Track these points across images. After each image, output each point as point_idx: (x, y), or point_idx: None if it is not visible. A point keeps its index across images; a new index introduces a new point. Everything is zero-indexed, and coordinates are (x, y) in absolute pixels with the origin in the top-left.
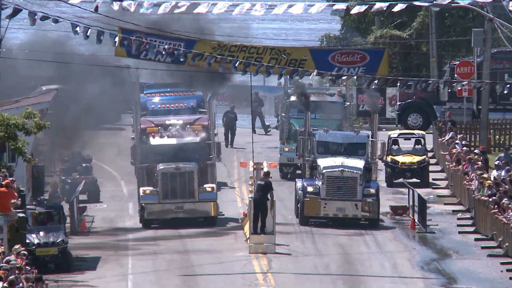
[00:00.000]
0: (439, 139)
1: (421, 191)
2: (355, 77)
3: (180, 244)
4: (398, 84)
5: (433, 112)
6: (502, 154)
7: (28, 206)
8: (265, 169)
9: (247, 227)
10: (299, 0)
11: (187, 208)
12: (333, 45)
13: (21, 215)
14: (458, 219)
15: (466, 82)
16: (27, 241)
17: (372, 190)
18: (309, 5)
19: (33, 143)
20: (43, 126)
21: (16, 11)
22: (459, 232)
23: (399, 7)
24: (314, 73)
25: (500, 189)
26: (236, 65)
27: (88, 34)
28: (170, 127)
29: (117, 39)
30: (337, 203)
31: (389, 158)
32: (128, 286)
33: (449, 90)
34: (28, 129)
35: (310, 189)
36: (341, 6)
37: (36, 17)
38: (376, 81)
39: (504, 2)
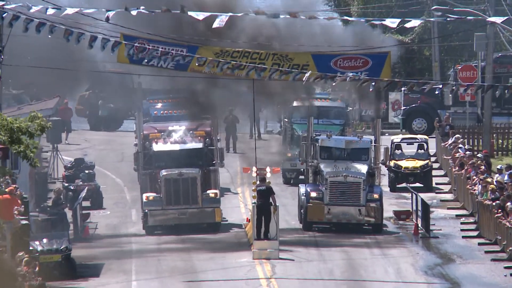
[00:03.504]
0: (442, 144)
1: (424, 195)
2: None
3: (183, 250)
4: (403, 89)
5: (437, 117)
6: None
7: (31, 213)
8: (264, 175)
9: (250, 233)
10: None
11: (190, 214)
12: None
13: (24, 222)
14: (462, 223)
15: (466, 86)
16: (31, 248)
17: (376, 195)
18: None
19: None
20: (46, 127)
21: (15, 18)
22: (463, 237)
23: (412, 23)
24: (307, 74)
25: (504, 193)
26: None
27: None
28: (172, 133)
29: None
30: (340, 208)
31: (392, 163)
32: None
33: (450, 94)
34: (31, 131)
35: (313, 194)
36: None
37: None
38: (384, 86)
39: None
